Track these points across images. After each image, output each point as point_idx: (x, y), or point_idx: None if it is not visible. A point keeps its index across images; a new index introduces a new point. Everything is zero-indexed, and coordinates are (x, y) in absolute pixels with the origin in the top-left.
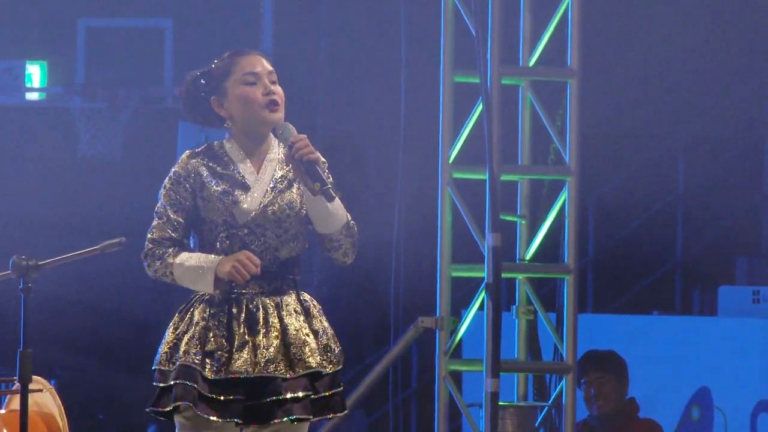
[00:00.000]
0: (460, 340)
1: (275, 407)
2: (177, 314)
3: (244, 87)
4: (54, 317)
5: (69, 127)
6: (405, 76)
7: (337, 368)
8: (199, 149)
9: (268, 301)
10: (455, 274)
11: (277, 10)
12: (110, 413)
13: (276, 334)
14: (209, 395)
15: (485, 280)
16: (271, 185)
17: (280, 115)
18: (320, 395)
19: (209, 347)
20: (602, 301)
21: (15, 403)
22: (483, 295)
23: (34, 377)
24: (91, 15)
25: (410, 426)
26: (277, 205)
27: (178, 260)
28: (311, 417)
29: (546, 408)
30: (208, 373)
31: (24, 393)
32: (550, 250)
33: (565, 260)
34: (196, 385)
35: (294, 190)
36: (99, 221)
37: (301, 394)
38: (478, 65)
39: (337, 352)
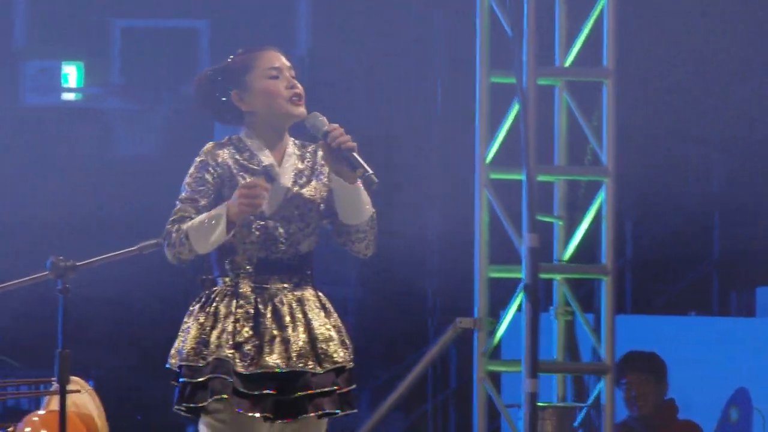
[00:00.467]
0: (499, 340)
1: (306, 402)
2: (197, 309)
3: (268, 80)
4: (92, 318)
5: (105, 128)
6: (441, 76)
7: (352, 365)
8: (224, 142)
9: (290, 296)
10: (493, 275)
11: (313, 10)
12: (148, 414)
13: (302, 328)
14: (241, 390)
15: (523, 281)
16: (293, 179)
17: (303, 109)
18: (343, 390)
19: (239, 340)
20: (640, 302)
21: (54, 403)
22: (521, 295)
23: (73, 378)
24: (127, 16)
25: (449, 427)
26: (300, 199)
27: (189, 223)
28: (339, 411)
29: (585, 409)
30: (239, 368)
31: (62, 394)
32: (588, 250)
33: (603, 261)
34: (231, 379)
35: (314, 185)
36: (135, 222)
37: (329, 389)
38: (514, 66)
39: (350, 349)
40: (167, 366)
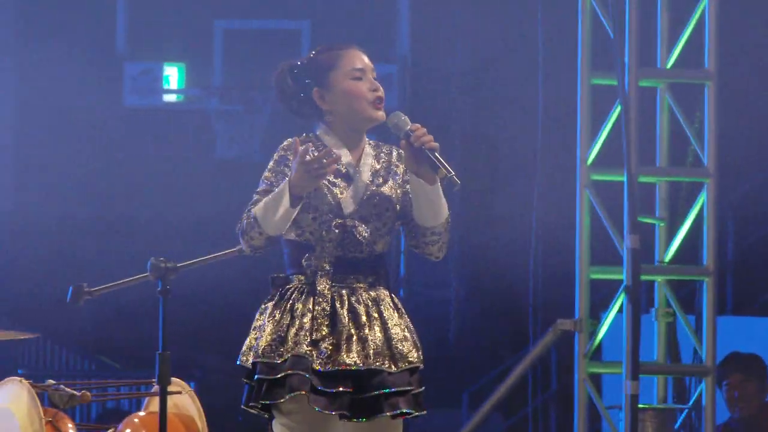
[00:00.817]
0: (600, 342)
1: (382, 401)
2: (271, 306)
3: (352, 82)
4: (193, 319)
5: (206, 129)
6: (542, 78)
7: (422, 366)
8: (304, 139)
9: (366, 295)
10: (594, 276)
11: (414, 11)
12: (248, 415)
13: (378, 328)
14: (318, 387)
15: (624, 283)
16: (370, 179)
17: (383, 113)
18: (416, 391)
19: (316, 338)
20: (741, 303)
21: (154, 405)
22: (622, 297)
23: (173, 379)
24: (228, 17)
25: (549, 429)
26: (377, 198)
27: (255, 207)
28: (414, 412)
29: (686, 411)
30: (317, 365)
31: (163, 395)
32: (689, 252)
33: (704, 262)
34: (308, 376)
35: (390, 185)
36: (236, 223)
37: (405, 389)
38: (616, 67)
39: (421, 350)
40: (237, 363)
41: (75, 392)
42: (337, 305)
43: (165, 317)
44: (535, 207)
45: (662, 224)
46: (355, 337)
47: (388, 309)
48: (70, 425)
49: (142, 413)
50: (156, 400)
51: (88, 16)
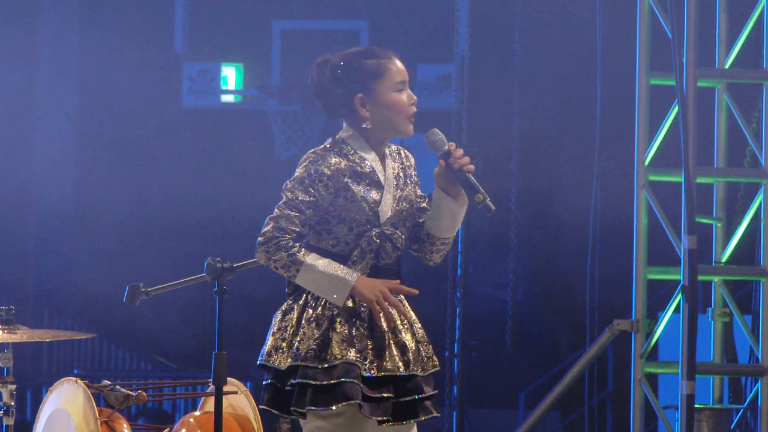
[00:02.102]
0: (656, 342)
1: (417, 405)
2: (308, 309)
3: (396, 94)
4: (249, 319)
5: (264, 129)
6: (600, 77)
7: None
8: (330, 146)
9: (395, 299)
10: (651, 276)
11: (472, 12)
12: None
13: (410, 331)
14: (365, 393)
15: (681, 283)
16: (396, 183)
17: (412, 127)
18: (433, 394)
19: (360, 346)
20: None
21: (209, 405)
22: (679, 297)
23: (229, 379)
24: (286, 17)
25: (606, 428)
26: (404, 203)
27: (309, 260)
28: (437, 415)
29: (741, 410)
30: (364, 372)
31: (218, 395)
32: (747, 252)
33: (761, 262)
34: (360, 385)
35: (409, 188)
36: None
37: (432, 392)
38: (674, 67)
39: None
40: (266, 364)
41: (131, 392)
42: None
43: (221, 317)
44: (592, 207)
45: (719, 225)
46: (393, 343)
47: (409, 310)
48: (125, 425)
49: (197, 413)
50: (211, 400)
51: (147, 16)
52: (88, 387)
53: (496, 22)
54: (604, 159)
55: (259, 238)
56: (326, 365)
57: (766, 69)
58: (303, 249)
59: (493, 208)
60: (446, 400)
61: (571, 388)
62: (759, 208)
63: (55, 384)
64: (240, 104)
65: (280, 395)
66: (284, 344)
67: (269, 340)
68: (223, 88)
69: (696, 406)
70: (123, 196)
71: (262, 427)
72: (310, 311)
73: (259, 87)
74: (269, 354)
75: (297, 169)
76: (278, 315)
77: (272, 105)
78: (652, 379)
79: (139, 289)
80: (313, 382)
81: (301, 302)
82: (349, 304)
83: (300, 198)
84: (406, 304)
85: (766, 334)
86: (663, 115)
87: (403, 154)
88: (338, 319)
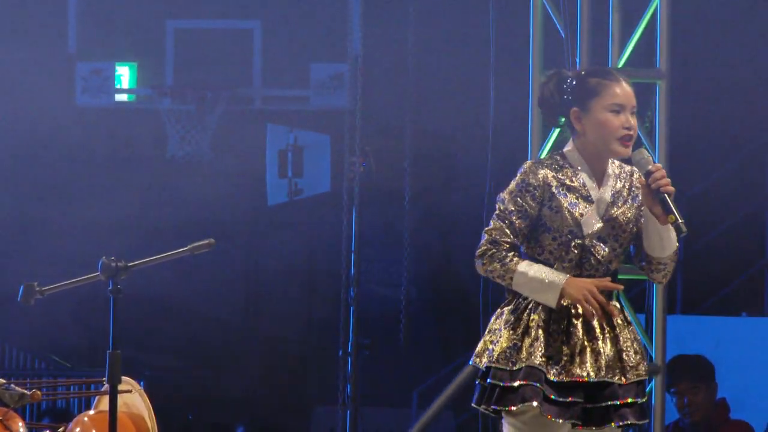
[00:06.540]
0: None
1: (611, 411)
2: (508, 314)
3: (609, 114)
4: (142, 318)
5: (158, 129)
6: (494, 76)
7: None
8: (545, 159)
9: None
10: None
11: (365, 11)
12: (199, 413)
13: (610, 341)
14: (552, 397)
15: None
16: (611, 200)
17: (628, 150)
18: (642, 401)
19: (551, 351)
20: (691, 303)
21: (104, 404)
22: None
23: (123, 378)
24: (180, 17)
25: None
26: (617, 221)
27: (521, 268)
28: (638, 422)
29: None
30: (551, 376)
31: (113, 394)
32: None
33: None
34: (540, 386)
35: (630, 206)
36: (188, 222)
37: (632, 400)
38: (567, 66)
39: (647, 360)
40: (470, 363)
41: (25, 391)
42: (573, 320)
43: (116, 317)
44: (485, 206)
45: None
46: (588, 349)
47: (619, 322)
48: (20, 424)
49: (91, 412)
50: (106, 399)
51: (39, 16)
52: None
53: (390, 20)
54: (498, 157)
55: (477, 251)
56: (512, 367)
57: (658, 69)
58: (516, 257)
59: (685, 230)
60: (339, 398)
61: (464, 387)
62: None
63: None
64: (133, 103)
65: (483, 394)
66: (490, 346)
67: (480, 342)
68: (117, 87)
69: None
70: (16, 194)
71: (156, 425)
72: (512, 316)
73: (152, 86)
74: (477, 355)
75: (512, 181)
76: (491, 318)
77: (166, 104)
78: None
79: (34, 288)
80: (500, 383)
81: (507, 307)
82: (548, 316)
83: (510, 208)
84: (620, 317)
85: (659, 333)
86: None
87: (627, 171)
88: (535, 326)
